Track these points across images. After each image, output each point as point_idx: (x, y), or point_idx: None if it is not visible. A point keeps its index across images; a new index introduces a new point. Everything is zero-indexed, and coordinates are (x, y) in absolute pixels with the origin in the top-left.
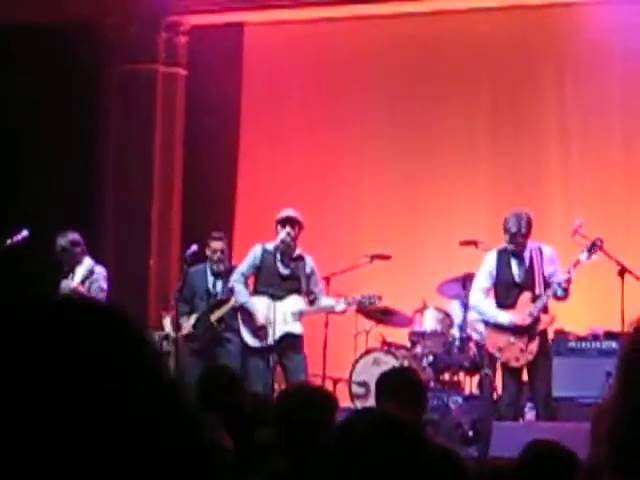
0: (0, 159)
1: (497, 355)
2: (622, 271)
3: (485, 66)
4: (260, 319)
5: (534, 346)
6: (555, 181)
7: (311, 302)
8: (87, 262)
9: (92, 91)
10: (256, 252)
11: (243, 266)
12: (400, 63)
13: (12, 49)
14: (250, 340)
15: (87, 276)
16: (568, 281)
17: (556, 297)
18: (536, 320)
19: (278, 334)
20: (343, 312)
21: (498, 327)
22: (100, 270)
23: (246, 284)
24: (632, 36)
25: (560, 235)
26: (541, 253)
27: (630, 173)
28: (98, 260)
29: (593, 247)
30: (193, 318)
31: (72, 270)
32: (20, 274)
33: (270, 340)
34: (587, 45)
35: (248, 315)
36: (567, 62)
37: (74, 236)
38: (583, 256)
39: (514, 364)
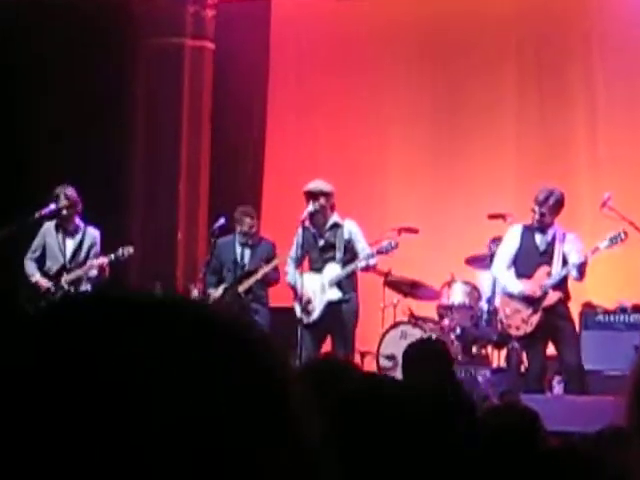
0: (30, 136)
1: (503, 320)
2: None
3: (511, 37)
4: (305, 295)
5: (535, 319)
6: (583, 154)
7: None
8: (91, 231)
9: (120, 65)
10: (298, 232)
11: (291, 250)
12: (425, 37)
13: (39, 24)
14: (301, 315)
15: (93, 246)
16: (584, 264)
17: (572, 278)
18: (544, 295)
19: (321, 306)
20: (368, 269)
21: (510, 294)
22: (96, 233)
23: (297, 265)
24: None
25: (589, 209)
26: (564, 236)
27: None
28: (87, 221)
29: (616, 237)
30: (221, 289)
31: (64, 231)
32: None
33: (314, 315)
34: (614, 14)
35: (296, 293)
36: (594, 30)
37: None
38: (603, 244)
39: (514, 332)
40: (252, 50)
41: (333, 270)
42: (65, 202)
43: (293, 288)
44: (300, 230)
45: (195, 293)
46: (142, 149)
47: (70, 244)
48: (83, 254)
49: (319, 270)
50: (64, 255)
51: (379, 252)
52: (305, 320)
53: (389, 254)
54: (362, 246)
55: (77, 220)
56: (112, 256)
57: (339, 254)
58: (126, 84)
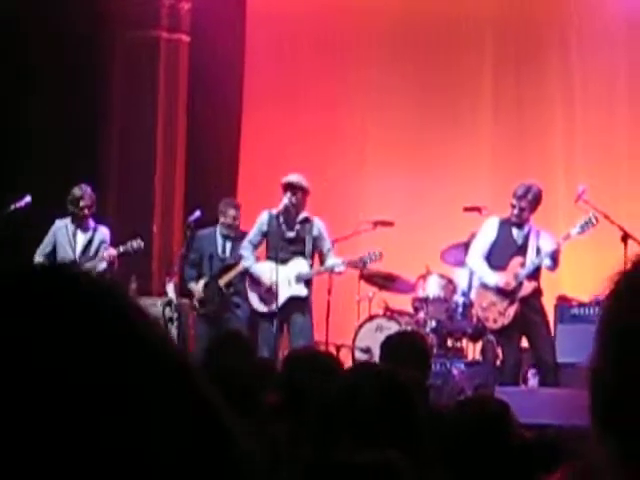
0: (2, 127)
1: (480, 313)
2: (625, 237)
3: (489, 28)
4: (266, 283)
5: (512, 310)
6: (559, 148)
7: (321, 263)
8: (102, 229)
9: (95, 58)
10: (262, 218)
11: (251, 234)
12: (403, 24)
13: (13, 17)
14: (257, 305)
15: (103, 242)
16: (556, 252)
17: (546, 267)
18: (519, 286)
19: (283, 298)
20: (342, 272)
21: (485, 287)
22: (107, 232)
23: (254, 251)
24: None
25: (563, 202)
26: (539, 233)
27: (634, 140)
28: (98, 220)
29: (587, 224)
30: (202, 283)
31: (77, 228)
32: (21, 240)
33: (275, 306)
34: (592, 10)
35: (255, 280)
36: (572, 27)
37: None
38: (574, 230)
39: (492, 325)
40: (227, 42)
41: (301, 265)
42: (88, 202)
43: (250, 274)
44: (266, 217)
45: (171, 287)
46: (117, 142)
47: (80, 240)
48: (93, 250)
49: (284, 261)
50: (74, 251)
51: (362, 263)
52: (261, 309)
53: (370, 264)
54: (327, 246)
55: (90, 219)
56: (121, 248)
57: (308, 249)
58: (102, 77)
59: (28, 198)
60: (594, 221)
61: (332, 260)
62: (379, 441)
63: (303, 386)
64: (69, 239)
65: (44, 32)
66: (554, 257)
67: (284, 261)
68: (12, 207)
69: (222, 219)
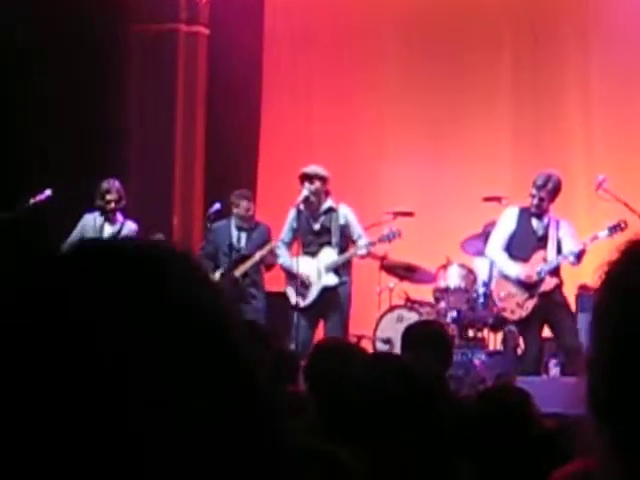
0: (23, 123)
1: (497, 303)
2: None
3: (507, 22)
4: (301, 278)
5: (530, 304)
6: (578, 137)
7: None
8: (130, 224)
9: (114, 52)
10: (291, 215)
11: (282, 233)
12: (421, 18)
13: (29, 13)
14: (294, 299)
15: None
16: (582, 252)
17: (569, 263)
18: (540, 281)
19: (316, 291)
20: (366, 255)
21: (505, 277)
22: (134, 227)
23: (288, 248)
24: None
25: (583, 191)
26: (558, 223)
27: None
28: (127, 215)
29: (615, 227)
30: (217, 274)
31: (106, 221)
32: (42, 234)
33: (309, 299)
34: (610, 3)
35: (290, 276)
36: (590, 15)
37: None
38: (603, 233)
39: (509, 315)
40: (246, 35)
41: (329, 255)
42: (115, 195)
43: (287, 271)
44: (294, 213)
45: None
46: (136, 135)
47: (108, 232)
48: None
49: (314, 254)
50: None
51: (381, 240)
52: (300, 303)
53: (391, 242)
54: (358, 231)
55: (118, 213)
56: None
57: (335, 239)
58: (121, 69)
59: (48, 192)
60: (623, 226)
61: (359, 244)
62: (397, 433)
63: (326, 377)
64: (96, 232)
65: (61, 28)
66: (579, 256)
67: (314, 254)
68: (31, 201)
69: (235, 210)
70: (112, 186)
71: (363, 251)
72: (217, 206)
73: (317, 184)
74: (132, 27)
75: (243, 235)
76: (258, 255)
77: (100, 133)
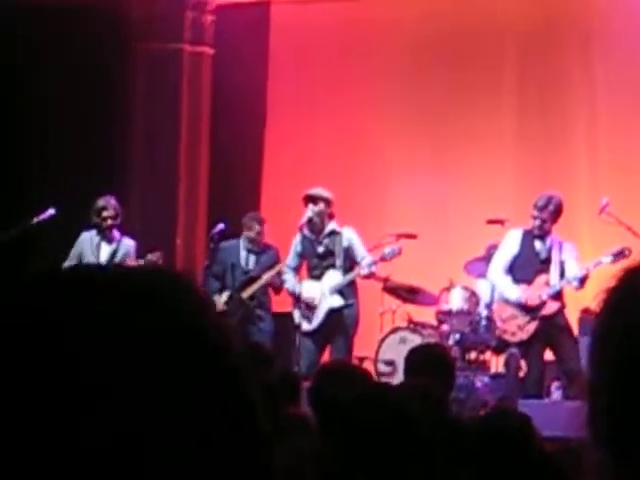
0: (28, 140)
1: (499, 325)
2: None
3: (512, 41)
4: (306, 301)
5: (532, 327)
6: (582, 159)
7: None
8: (127, 241)
9: (119, 71)
10: (296, 240)
11: (288, 258)
12: (425, 37)
13: (37, 30)
14: (300, 322)
15: (127, 255)
16: (585, 277)
17: (572, 287)
18: (542, 304)
19: (322, 313)
20: (369, 276)
21: (506, 300)
22: (132, 244)
23: (295, 273)
24: None
25: (587, 213)
26: (561, 245)
27: None
28: (122, 231)
29: (619, 254)
30: (225, 295)
31: (102, 240)
32: (43, 252)
33: (315, 322)
34: (616, 19)
35: (297, 300)
36: (595, 37)
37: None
38: (606, 259)
39: (510, 338)
40: (251, 55)
41: (333, 277)
42: (112, 212)
43: (293, 295)
44: (298, 238)
45: None
46: (140, 154)
47: (104, 252)
48: (117, 261)
49: (318, 277)
50: (98, 262)
51: (382, 259)
52: (305, 327)
53: (392, 260)
54: (362, 254)
55: (115, 231)
56: (141, 262)
57: (339, 261)
58: (125, 89)
59: (52, 211)
60: (627, 253)
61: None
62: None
63: (330, 400)
64: (92, 250)
65: (67, 46)
66: (582, 281)
67: (318, 277)
68: (35, 220)
69: (246, 233)
70: (108, 203)
71: (365, 271)
72: (221, 226)
73: (321, 206)
74: (137, 47)
75: (252, 257)
76: (265, 277)
77: (104, 152)
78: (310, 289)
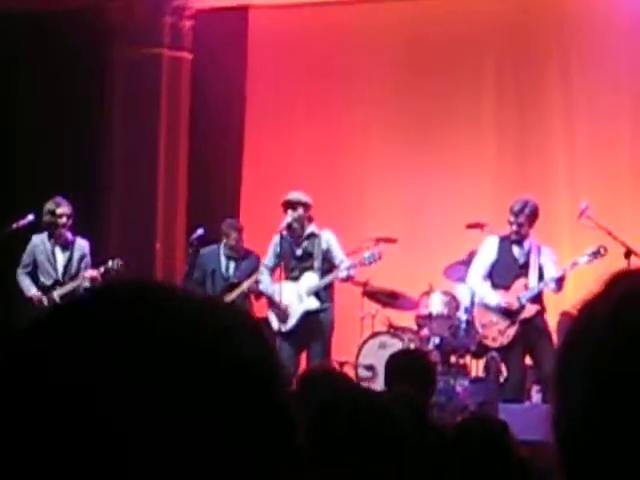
0: (4, 146)
1: (479, 331)
2: (628, 253)
3: (491, 48)
4: (281, 303)
5: (512, 331)
6: (561, 165)
7: None
8: (80, 242)
9: (97, 76)
10: (274, 241)
11: (266, 258)
12: (405, 45)
13: (14, 35)
14: (277, 325)
15: (83, 257)
16: (562, 278)
17: (550, 290)
18: (521, 308)
19: (297, 315)
20: (347, 279)
21: (486, 305)
22: (86, 244)
23: (271, 274)
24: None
25: (566, 218)
26: (539, 249)
27: (637, 155)
28: (75, 232)
29: (595, 253)
30: None
31: (55, 244)
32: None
33: (290, 323)
34: (593, 27)
35: (271, 301)
36: (573, 44)
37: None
38: (582, 259)
39: (490, 343)
40: (230, 60)
41: (311, 279)
42: (67, 209)
43: (268, 296)
44: (277, 239)
45: None
46: (119, 159)
47: (61, 258)
48: (74, 266)
49: (296, 279)
50: (55, 269)
51: (361, 264)
52: (281, 328)
53: (371, 265)
54: (340, 257)
55: (67, 233)
56: (102, 269)
57: (317, 263)
58: (103, 94)
59: (31, 217)
60: (602, 252)
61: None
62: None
63: (315, 405)
64: (48, 257)
65: (45, 52)
66: (559, 284)
67: (295, 279)
68: (14, 226)
69: (225, 240)
70: (60, 202)
71: (344, 274)
72: (200, 231)
73: (300, 211)
74: (116, 51)
75: (232, 264)
76: (246, 284)
77: (82, 157)
78: (286, 290)
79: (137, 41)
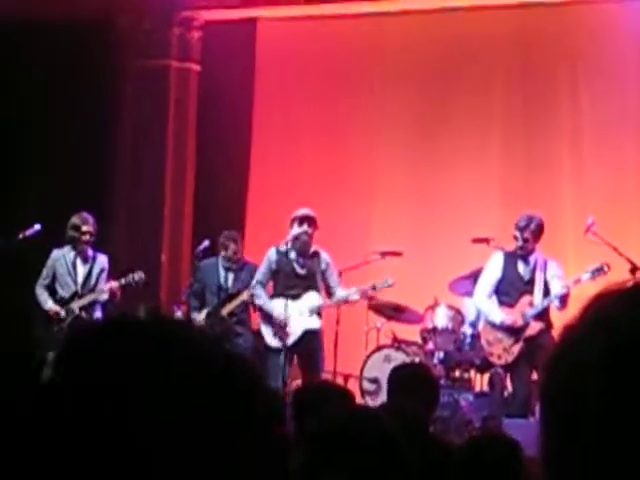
0: (15, 156)
1: (485, 348)
2: (633, 269)
3: (498, 61)
4: (279, 320)
5: (516, 348)
6: (567, 180)
7: (329, 296)
8: (101, 257)
9: (105, 87)
10: (270, 256)
11: (259, 273)
12: (412, 60)
13: (25, 47)
14: (270, 340)
15: (102, 271)
16: (566, 295)
17: (555, 307)
18: (526, 325)
19: (298, 332)
20: (357, 301)
21: (492, 323)
22: (105, 259)
23: (264, 288)
24: None
25: (572, 234)
26: (545, 264)
27: None
28: (97, 248)
29: (598, 270)
30: (204, 313)
31: (77, 257)
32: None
33: (290, 340)
34: (601, 43)
35: (268, 316)
36: (581, 60)
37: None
38: (585, 276)
39: (496, 360)
40: (237, 72)
41: (313, 298)
42: (91, 228)
43: (266, 312)
44: (274, 255)
45: (179, 316)
46: (127, 170)
47: (81, 270)
48: (93, 280)
49: (296, 297)
50: (75, 282)
51: (373, 288)
52: (274, 344)
53: (381, 290)
54: (334, 279)
55: (89, 248)
56: (122, 281)
57: (318, 282)
58: (112, 105)
59: (38, 226)
60: (606, 269)
61: (344, 291)
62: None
63: (316, 420)
64: (69, 270)
65: (54, 62)
66: (563, 300)
67: (296, 296)
68: (20, 235)
69: (223, 252)
70: (87, 218)
71: (355, 297)
72: (206, 243)
73: (312, 228)
74: (124, 62)
75: (230, 275)
76: (245, 295)
77: (90, 167)
78: (284, 307)
79: (145, 52)
